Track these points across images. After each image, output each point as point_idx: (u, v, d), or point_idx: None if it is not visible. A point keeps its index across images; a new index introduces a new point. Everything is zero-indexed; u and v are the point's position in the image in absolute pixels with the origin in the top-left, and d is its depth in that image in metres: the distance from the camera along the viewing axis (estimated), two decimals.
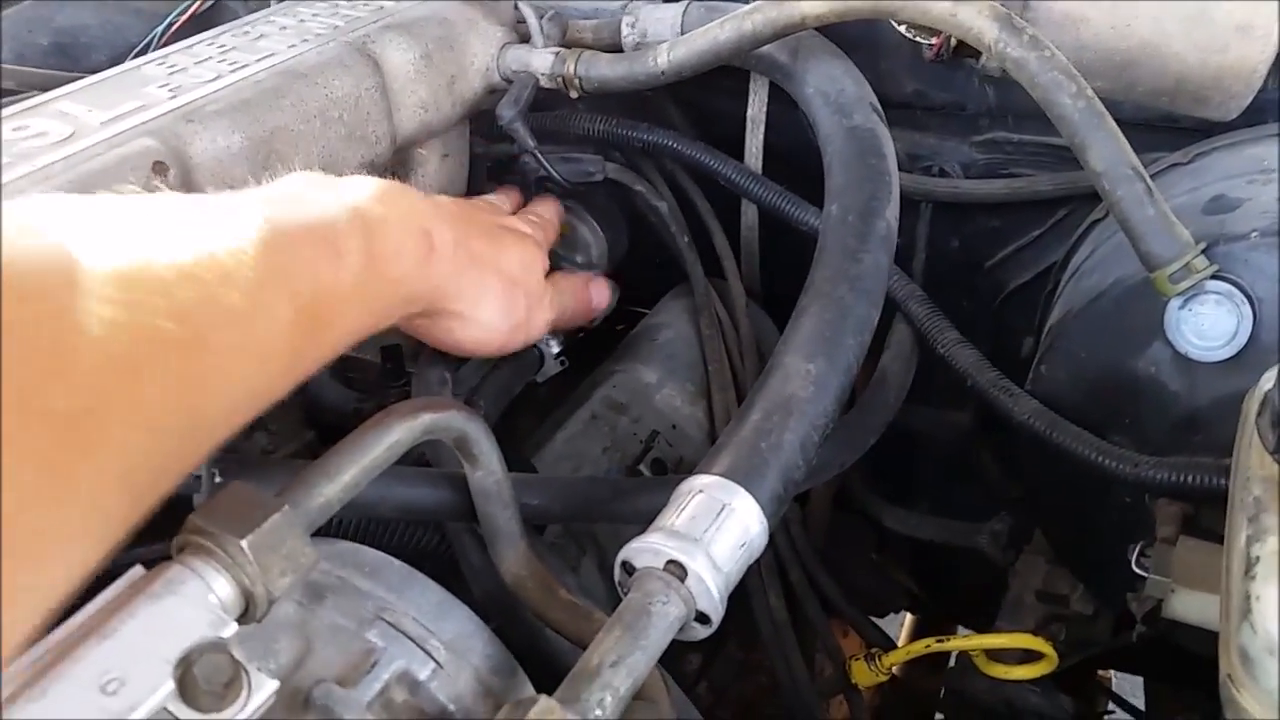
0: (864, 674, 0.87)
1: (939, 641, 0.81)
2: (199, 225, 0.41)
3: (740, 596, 0.95)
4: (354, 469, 0.48)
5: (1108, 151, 0.64)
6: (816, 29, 0.79)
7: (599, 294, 0.89)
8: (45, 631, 0.40)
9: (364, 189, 0.55)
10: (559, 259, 0.97)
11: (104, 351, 0.33)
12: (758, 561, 0.90)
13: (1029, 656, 0.79)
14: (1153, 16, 0.70)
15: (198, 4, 1.17)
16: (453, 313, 0.66)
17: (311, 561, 0.44)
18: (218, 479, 0.54)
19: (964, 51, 0.81)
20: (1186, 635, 0.61)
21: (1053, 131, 0.87)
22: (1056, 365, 0.77)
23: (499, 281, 0.70)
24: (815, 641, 0.95)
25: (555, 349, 0.87)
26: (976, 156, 0.95)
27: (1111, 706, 1.10)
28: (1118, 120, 0.67)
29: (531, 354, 0.86)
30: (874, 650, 0.87)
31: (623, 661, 0.46)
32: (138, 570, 0.43)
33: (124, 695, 0.39)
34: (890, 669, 0.85)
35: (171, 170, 0.69)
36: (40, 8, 1.31)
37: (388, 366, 0.85)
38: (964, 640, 0.81)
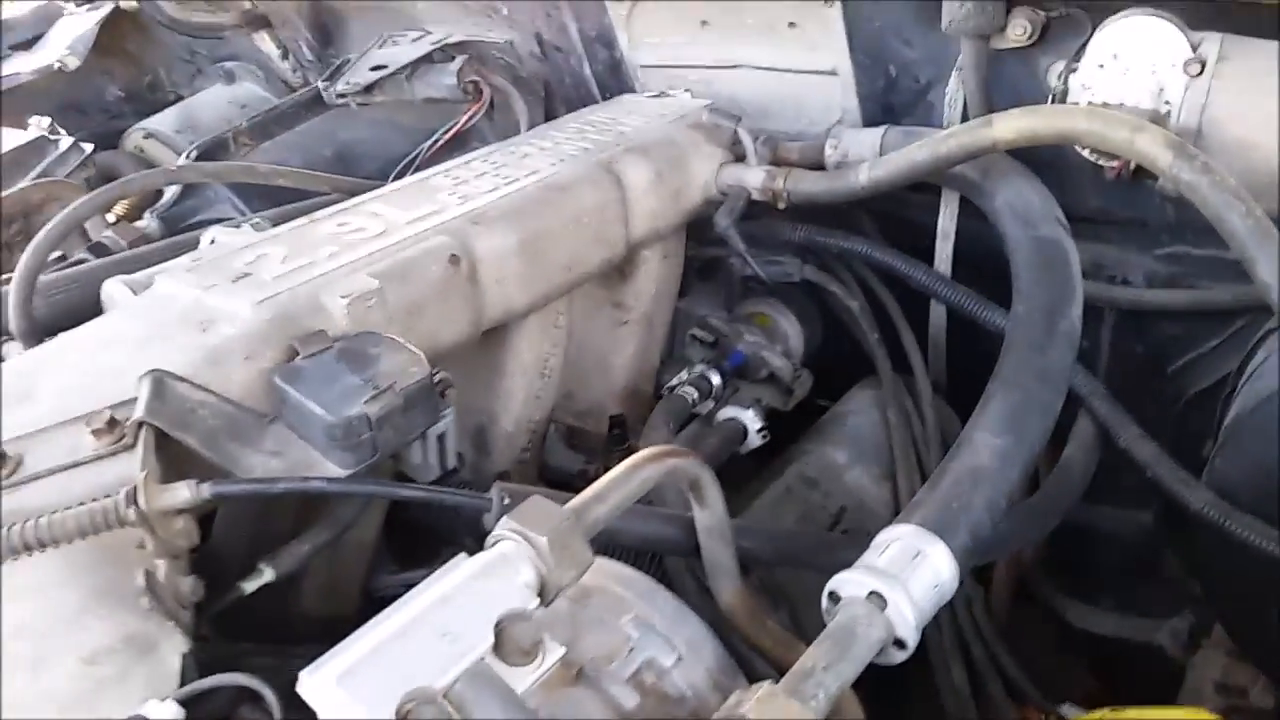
0: None
1: (1114, 711, 0.85)
2: None
3: (923, 672, 1.01)
4: (618, 495, 0.61)
5: (1276, 265, 0.71)
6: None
7: None
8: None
9: None
10: (761, 347, 1.09)
11: None
12: (941, 635, 0.98)
13: None
14: None
15: (459, 127, 1.39)
16: None
17: (590, 562, 0.56)
18: (506, 500, 0.68)
19: (1143, 173, 0.90)
20: None
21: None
22: (1231, 459, 0.82)
23: None
24: (994, 715, 1.00)
25: (758, 425, 0.98)
26: (1158, 269, 1.02)
27: None
28: None
29: (736, 428, 0.98)
30: (1051, 716, 0.91)
31: (833, 667, 0.55)
32: (463, 556, 0.56)
33: (459, 645, 0.52)
34: None
35: (463, 262, 0.86)
36: (327, 123, 1.57)
37: (614, 432, 0.99)
38: (1141, 711, 0.85)
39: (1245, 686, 0.89)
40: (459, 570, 0.55)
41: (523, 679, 0.52)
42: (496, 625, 0.52)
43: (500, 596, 0.54)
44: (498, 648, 0.52)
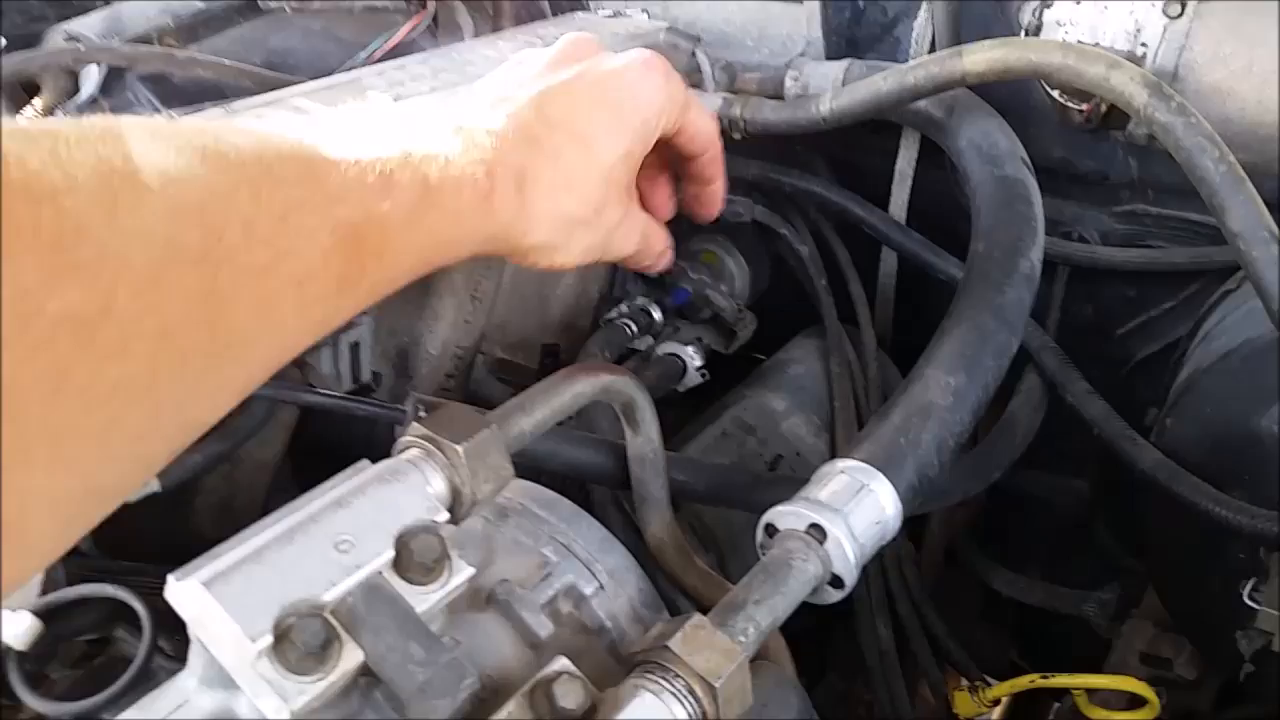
0: (966, 705, 0.89)
1: (1044, 677, 0.83)
2: (243, 150, 0.40)
3: (847, 629, 0.99)
4: (545, 409, 0.56)
5: (1246, 214, 0.68)
6: (971, 89, 0.86)
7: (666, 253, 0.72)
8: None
9: (439, 124, 0.52)
10: (706, 285, 1.04)
11: (120, 259, 0.33)
12: (868, 592, 0.95)
13: (1134, 704, 0.81)
14: None
15: (399, 38, 1.30)
16: (529, 248, 0.56)
17: (510, 476, 0.51)
18: (421, 412, 0.62)
19: (1111, 122, 0.87)
20: None
21: (1190, 207, 0.92)
22: (1181, 420, 0.80)
23: (575, 207, 0.57)
24: (918, 676, 0.97)
25: (698, 362, 0.94)
26: (1115, 226, 0.99)
27: None
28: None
29: (675, 363, 0.93)
30: (977, 683, 0.89)
31: (765, 601, 0.51)
32: (364, 463, 0.51)
33: (353, 555, 0.46)
34: (993, 702, 0.87)
35: None
36: (258, 29, 1.47)
37: (546, 363, 0.94)
38: (1069, 678, 0.83)
39: (1170, 658, 0.88)
40: (360, 475, 0.50)
41: (425, 598, 0.47)
42: (398, 538, 0.47)
43: (405, 507, 0.48)
44: (398, 563, 0.47)
